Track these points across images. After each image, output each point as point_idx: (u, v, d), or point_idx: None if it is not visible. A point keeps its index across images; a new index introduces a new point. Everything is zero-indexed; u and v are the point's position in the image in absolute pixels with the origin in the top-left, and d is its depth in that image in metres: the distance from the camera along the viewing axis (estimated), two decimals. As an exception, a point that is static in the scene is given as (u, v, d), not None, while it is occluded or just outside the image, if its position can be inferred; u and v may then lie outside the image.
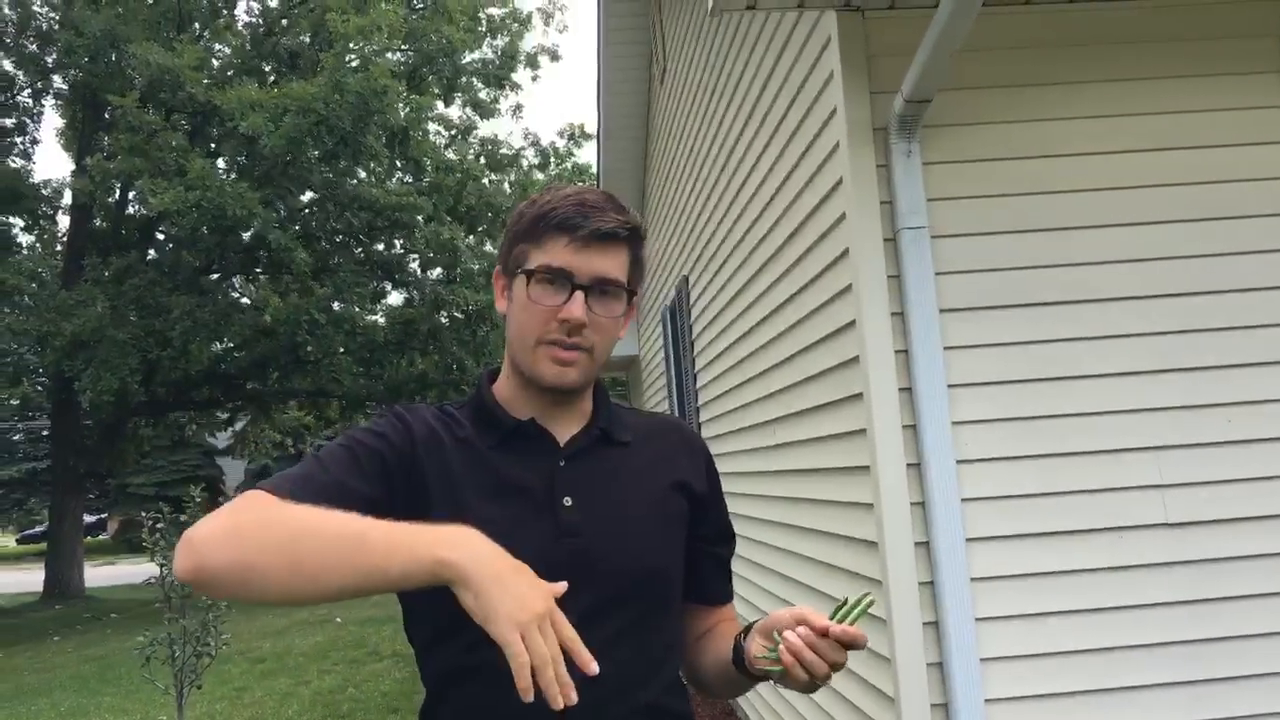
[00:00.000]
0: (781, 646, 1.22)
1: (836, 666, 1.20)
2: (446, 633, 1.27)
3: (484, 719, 1.27)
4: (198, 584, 1.08)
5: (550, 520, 1.29)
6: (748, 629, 1.34)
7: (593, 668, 1.03)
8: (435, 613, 1.25)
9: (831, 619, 1.22)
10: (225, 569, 1.07)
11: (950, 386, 2.75)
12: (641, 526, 1.34)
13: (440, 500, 1.28)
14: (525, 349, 1.32)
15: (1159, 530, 2.75)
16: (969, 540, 2.70)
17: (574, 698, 1.01)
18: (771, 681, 1.27)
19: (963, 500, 2.71)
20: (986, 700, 2.65)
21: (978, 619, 2.68)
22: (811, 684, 1.23)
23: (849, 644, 1.19)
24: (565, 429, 1.37)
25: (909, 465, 2.76)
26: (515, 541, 1.25)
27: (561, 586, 1.07)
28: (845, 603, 1.24)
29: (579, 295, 1.28)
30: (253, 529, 1.09)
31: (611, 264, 1.31)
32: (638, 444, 1.41)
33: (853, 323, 2.94)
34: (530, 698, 0.99)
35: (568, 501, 1.30)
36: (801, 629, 1.20)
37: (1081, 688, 2.69)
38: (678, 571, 1.39)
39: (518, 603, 1.02)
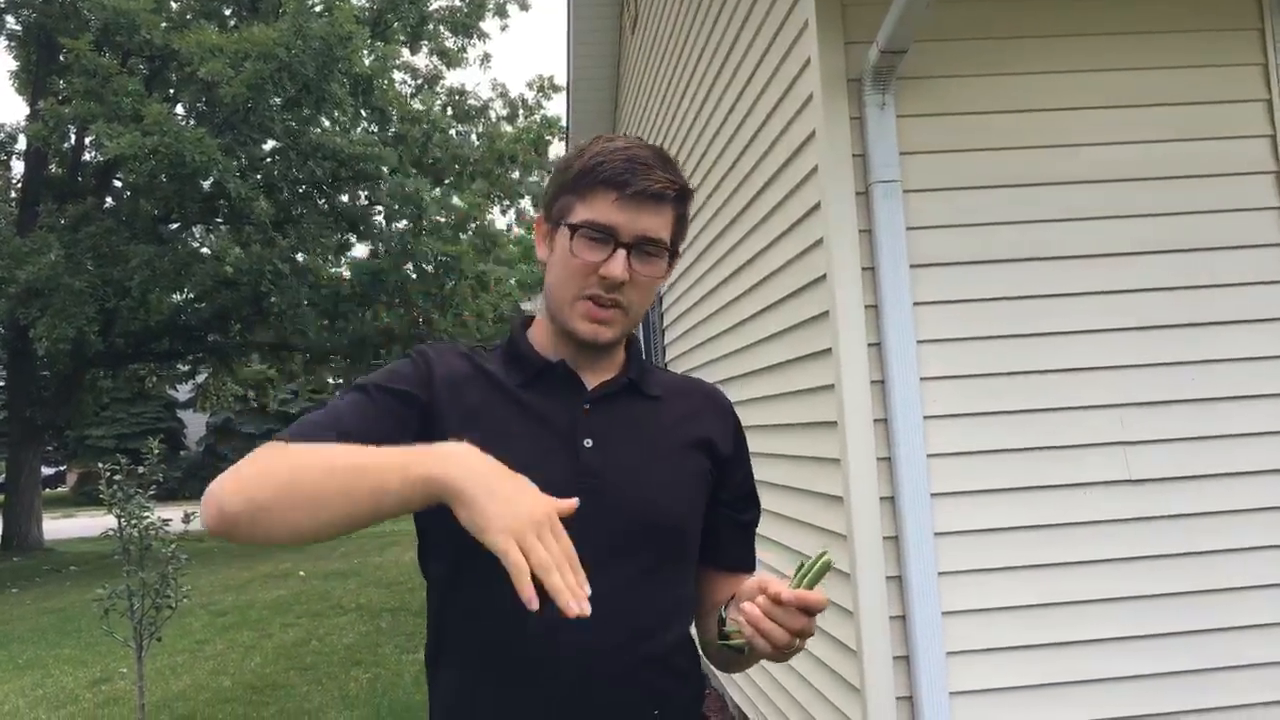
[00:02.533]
0: (741, 619, 1.19)
1: (803, 634, 1.17)
2: (456, 569, 1.28)
3: (487, 659, 1.27)
4: (221, 531, 1.12)
5: (569, 460, 1.28)
6: (729, 602, 1.32)
7: (586, 588, 1.00)
8: (447, 547, 1.27)
9: (793, 582, 1.19)
10: (239, 513, 1.10)
11: (919, 342, 2.74)
12: (659, 477, 1.33)
13: (461, 435, 1.25)
14: (563, 302, 1.31)
15: (1121, 486, 2.78)
16: (934, 495, 2.71)
17: (587, 608, 0.98)
18: (744, 654, 1.24)
19: (928, 455, 2.72)
20: (948, 653, 2.67)
21: (940, 573, 2.70)
22: (780, 653, 1.20)
23: (806, 608, 1.15)
24: (595, 376, 1.37)
25: (876, 420, 2.75)
26: (532, 477, 1.26)
27: (572, 503, 1.05)
28: (802, 565, 1.21)
29: (621, 253, 1.27)
30: (259, 473, 1.12)
31: (656, 223, 1.29)
32: (668, 400, 1.41)
33: (823, 277, 2.91)
34: (535, 605, 0.97)
35: (588, 444, 1.30)
36: (760, 599, 1.17)
37: (1043, 641, 2.72)
38: (694, 527, 1.38)
39: (510, 510, 1.01)
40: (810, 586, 1.17)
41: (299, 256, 16.32)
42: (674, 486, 1.34)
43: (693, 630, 1.42)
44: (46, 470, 26.81)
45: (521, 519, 1.00)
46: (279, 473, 1.11)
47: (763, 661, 1.29)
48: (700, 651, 1.42)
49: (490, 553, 1.06)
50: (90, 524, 19.40)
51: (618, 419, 1.34)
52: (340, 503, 1.08)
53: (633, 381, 1.38)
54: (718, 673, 5.18)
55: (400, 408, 1.27)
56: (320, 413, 1.26)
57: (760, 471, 4.02)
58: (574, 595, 0.98)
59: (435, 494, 1.04)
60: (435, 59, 18.93)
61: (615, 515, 1.27)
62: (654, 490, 1.32)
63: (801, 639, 1.18)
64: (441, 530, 1.27)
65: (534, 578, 0.97)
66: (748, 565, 1.49)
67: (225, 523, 1.11)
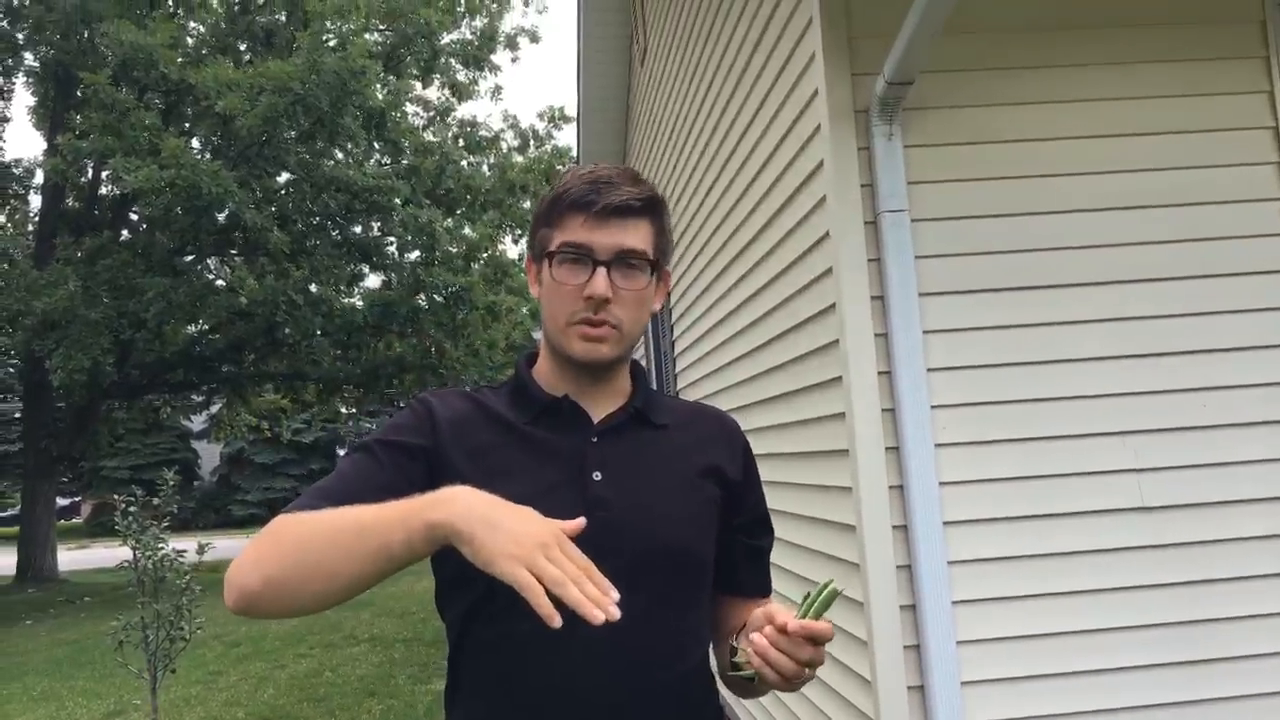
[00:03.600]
0: (748, 650, 1.19)
1: (811, 664, 1.17)
2: (473, 606, 1.29)
3: (503, 694, 1.27)
4: (244, 610, 1.15)
5: (579, 493, 1.29)
6: (740, 630, 1.32)
7: (613, 594, 1.02)
8: (463, 588, 1.29)
9: (799, 611, 1.19)
10: (259, 592, 1.13)
11: (929, 371, 2.75)
12: (671, 506, 1.33)
13: (470, 476, 1.27)
14: (557, 330, 1.33)
15: (1133, 514, 2.77)
16: (946, 524, 2.71)
17: (615, 612, 1.00)
18: (754, 683, 1.24)
19: (941, 484, 2.71)
20: (963, 683, 2.66)
21: (954, 602, 2.68)
22: (789, 684, 1.20)
23: (812, 638, 1.16)
24: (601, 407, 1.37)
25: (888, 449, 2.75)
26: (542, 512, 1.26)
27: (578, 523, 1.07)
28: (809, 594, 1.20)
29: (601, 271, 1.29)
30: (270, 549, 1.14)
31: (631, 236, 1.31)
32: (674, 428, 1.41)
33: (832, 306, 2.93)
34: (556, 621, 0.98)
35: (597, 476, 1.31)
36: (768, 629, 1.18)
37: (1057, 670, 2.70)
38: (707, 555, 1.38)
39: (512, 539, 1.03)
40: (817, 616, 1.17)
41: (312, 287, 16.43)
42: (685, 515, 1.35)
43: (712, 659, 1.42)
44: (61, 501, 26.90)
45: (525, 544, 1.02)
46: (288, 546, 1.14)
47: (776, 690, 1.29)
48: (718, 680, 1.42)
49: (507, 592, 1.07)
50: (105, 555, 19.44)
51: (626, 449, 1.35)
52: (351, 565, 1.10)
53: (639, 411, 1.39)
54: (729, 701, 5.15)
55: (405, 460, 1.28)
56: (326, 479, 1.28)
57: (772, 500, 4.01)
58: (596, 603, 0.99)
59: (438, 539, 1.07)
60: (447, 92, 19.14)
61: (627, 546, 1.27)
62: (665, 520, 1.32)
63: (811, 668, 1.18)
64: (457, 573, 1.28)
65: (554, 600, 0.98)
66: (764, 590, 1.49)
67: (246, 601, 1.14)
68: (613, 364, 1.36)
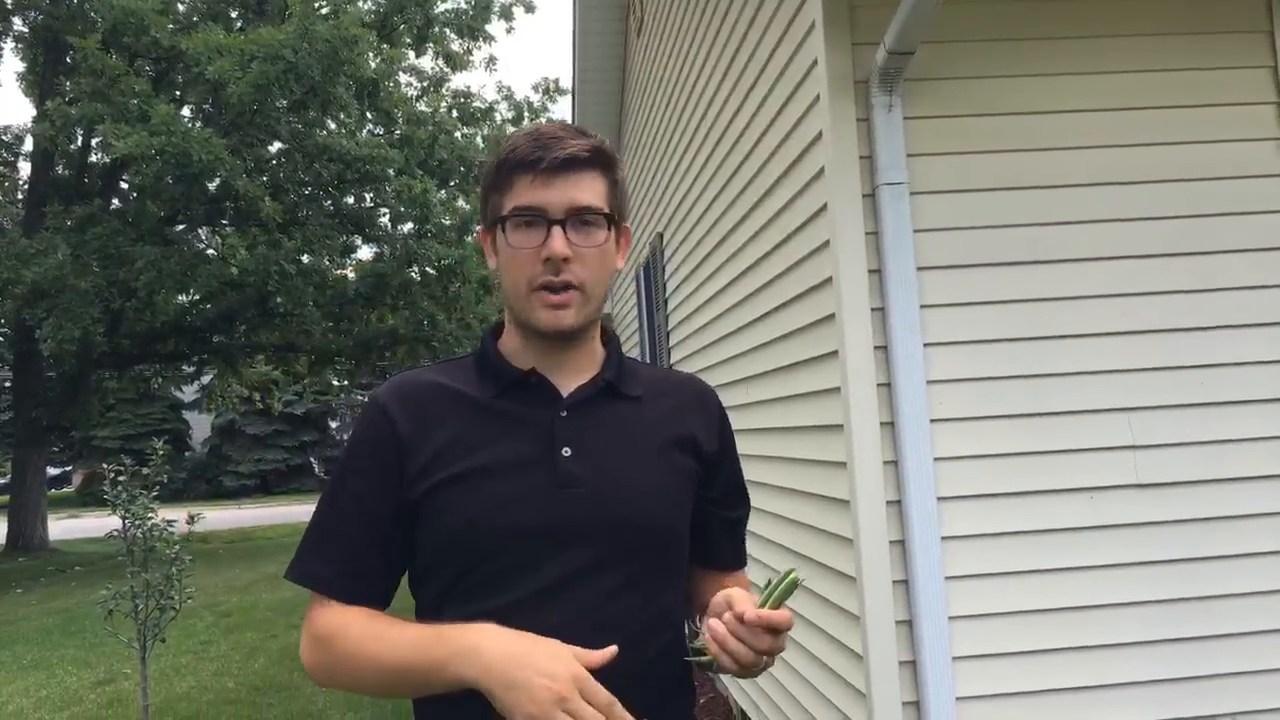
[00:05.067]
0: (706, 636, 1.17)
1: (770, 652, 1.16)
2: (444, 589, 1.28)
3: None
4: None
5: (549, 470, 1.26)
6: (700, 614, 1.30)
7: None
8: (436, 569, 1.29)
9: (759, 600, 1.17)
10: (326, 685, 1.33)
11: (926, 345, 2.73)
12: (643, 480, 1.30)
13: (441, 461, 1.26)
14: (519, 298, 1.29)
15: (1129, 491, 2.76)
16: (941, 499, 2.70)
17: None
18: (713, 669, 1.22)
19: (935, 459, 2.70)
20: (954, 658, 2.66)
21: (947, 577, 2.68)
22: (746, 672, 1.19)
23: (771, 628, 1.14)
24: (570, 380, 1.33)
25: (883, 424, 2.74)
26: (514, 492, 1.24)
27: (604, 654, 1.12)
28: (769, 582, 1.19)
29: (556, 230, 1.24)
30: (328, 666, 1.28)
31: (583, 191, 1.26)
32: (648, 399, 1.37)
33: (829, 279, 2.90)
34: None
35: (567, 452, 1.27)
36: (727, 616, 1.16)
37: (1050, 646, 2.71)
38: (682, 529, 1.35)
39: (530, 697, 1.07)
40: (777, 606, 1.16)
41: (304, 258, 16.31)
42: (659, 490, 1.31)
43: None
44: (52, 471, 26.85)
45: (543, 702, 1.06)
46: (342, 670, 1.27)
47: (734, 677, 1.28)
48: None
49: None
50: (95, 525, 19.40)
51: (596, 423, 1.31)
52: (396, 693, 1.27)
53: (610, 383, 1.34)
54: (722, 675, 5.17)
55: (378, 483, 1.29)
56: (321, 517, 1.32)
57: (766, 474, 4.01)
58: None
59: (467, 686, 1.14)
60: (440, 62, 18.95)
61: (599, 524, 1.25)
62: (638, 495, 1.29)
63: (770, 656, 1.17)
64: (431, 557, 1.26)
65: None
66: (739, 563, 1.47)
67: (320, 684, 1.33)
68: (579, 331, 1.31)
